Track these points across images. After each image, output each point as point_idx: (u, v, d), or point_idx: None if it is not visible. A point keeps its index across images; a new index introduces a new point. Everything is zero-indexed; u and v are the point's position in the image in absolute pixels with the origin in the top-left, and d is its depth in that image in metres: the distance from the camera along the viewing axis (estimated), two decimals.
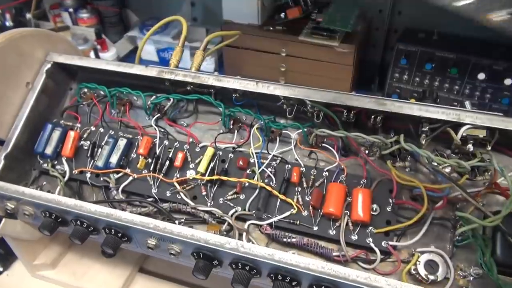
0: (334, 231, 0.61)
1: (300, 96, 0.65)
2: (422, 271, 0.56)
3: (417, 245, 0.59)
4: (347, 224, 0.61)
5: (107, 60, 0.76)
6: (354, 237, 0.60)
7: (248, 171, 0.67)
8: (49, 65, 0.78)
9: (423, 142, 0.61)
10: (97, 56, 1.44)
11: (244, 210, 0.65)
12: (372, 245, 0.59)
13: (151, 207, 0.69)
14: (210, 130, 0.76)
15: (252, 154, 0.68)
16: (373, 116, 0.64)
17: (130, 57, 1.67)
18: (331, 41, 1.24)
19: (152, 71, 0.72)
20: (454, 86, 1.17)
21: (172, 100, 0.76)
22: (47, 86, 0.78)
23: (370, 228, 0.60)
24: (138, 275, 0.90)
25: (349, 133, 0.63)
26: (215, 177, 0.66)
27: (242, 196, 0.66)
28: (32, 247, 0.85)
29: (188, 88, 0.73)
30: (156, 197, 0.69)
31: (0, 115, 0.72)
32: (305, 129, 0.67)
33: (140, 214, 0.69)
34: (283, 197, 0.63)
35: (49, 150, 0.74)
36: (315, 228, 0.62)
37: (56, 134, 0.75)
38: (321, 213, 0.62)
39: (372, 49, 1.40)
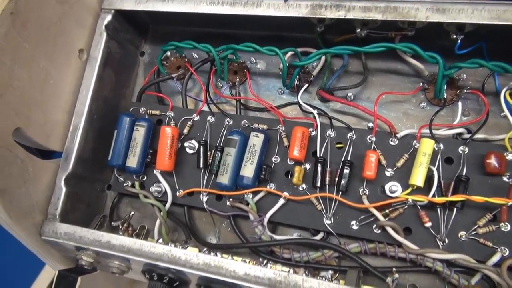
0: None
1: None
2: None
3: None
4: None
5: None
6: None
7: (507, 178, 0.37)
8: (109, 17, 0.46)
9: None
10: None
11: None
12: None
13: (328, 251, 0.39)
14: (397, 104, 0.44)
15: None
16: None
17: None
18: None
19: (300, 8, 0.40)
20: None
21: (324, 59, 0.44)
22: (111, 53, 0.47)
23: None
24: None
25: None
26: (455, 197, 0.36)
27: (506, 227, 0.36)
28: None
29: (362, 33, 0.40)
30: (333, 232, 0.40)
31: (46, 116, 0.42)
32: None
33: (308, 263, 0.40)
34: None
35: (133, 162, 0.44)
36: None
37: (140, 133, 0.45)
38: None
39: None
